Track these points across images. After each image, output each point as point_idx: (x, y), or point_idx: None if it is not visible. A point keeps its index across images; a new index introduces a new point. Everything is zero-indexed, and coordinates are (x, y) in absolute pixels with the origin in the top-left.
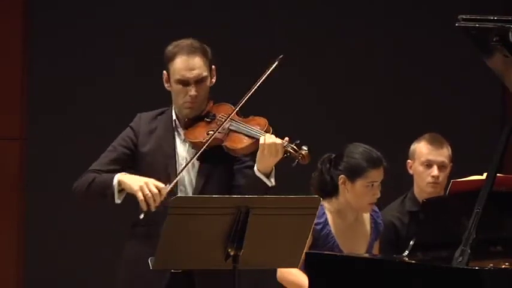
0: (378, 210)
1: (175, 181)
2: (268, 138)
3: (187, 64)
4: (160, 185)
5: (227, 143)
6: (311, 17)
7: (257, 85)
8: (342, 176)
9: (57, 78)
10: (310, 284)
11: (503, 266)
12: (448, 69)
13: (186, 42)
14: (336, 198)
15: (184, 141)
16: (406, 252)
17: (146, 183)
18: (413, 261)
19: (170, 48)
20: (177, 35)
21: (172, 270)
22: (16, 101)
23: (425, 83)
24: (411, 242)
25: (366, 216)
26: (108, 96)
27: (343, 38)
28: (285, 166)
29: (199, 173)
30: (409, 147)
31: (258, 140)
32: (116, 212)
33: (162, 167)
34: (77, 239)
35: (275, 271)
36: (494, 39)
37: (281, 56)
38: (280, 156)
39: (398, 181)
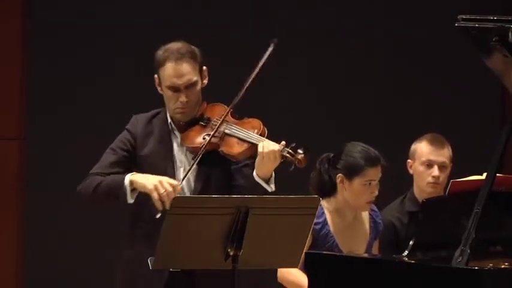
0: (376, 210)
1: (185, 176)
2: (266, 147)
3: (176, 71)
4: (174, 182)
5: (223, 148)
6: (311, 17)
7: (254, 74)
8: (340, 174)
9: (57, 78)
10: (310, 284)
11: (502, 266)
12: (448, 69)
13: (174, 46)
14: (335, 197)
15: (181, 144)
16: (406, 252)
17: (160, 182)
18: (412, 261)
19: (160, 53)
20: (177, 35)
21: (170, 269)
22: (15, 101)
23: (425, 83)
24: (411, 242)
25: (365, 216)
26: (107, 96)
27: (343, 38)
28: (283, 166)
29: (198, 176)
30: (409, 147)
31: (254, 144)
32: (116, 212)
33: (161, 170)
34: (77, 239)
35: (275, 271)
36: (493, 39)
37: (275, 40)
38: (278, 161)
39: (398, 181)
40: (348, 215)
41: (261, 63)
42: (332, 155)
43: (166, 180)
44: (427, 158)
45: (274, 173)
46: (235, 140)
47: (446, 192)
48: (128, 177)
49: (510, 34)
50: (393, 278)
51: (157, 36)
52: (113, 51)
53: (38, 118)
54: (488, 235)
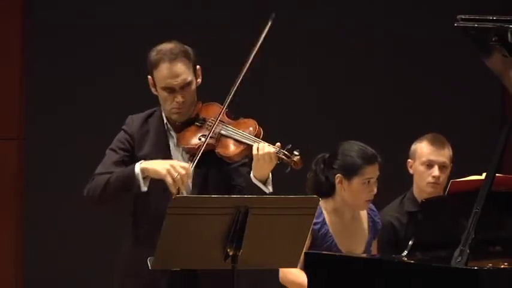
0: (375, 209)
1: (196, 160)
2: (261, 148)
3: (170, 72)
4: (185, 164)
5: (219, 150)
6: (311, 17)
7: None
8: (339, 175)
9: (56, 78)
10: (309, 284)
11: (502, 266)
12: (448, 69)
13: (166, 47)
14: (332, 197)
15: (177, 144)
16: (405, 252)
17: (172, 166)
18: (412, 261)
19: (153, 54)
20: (177, 35)
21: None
22: (15, 101)
23: (425, 83)
24: (410, 242)
25: (364, 215)
26: (107, 96)
27: (343, 38)
28: (281, 167)
29: (195, 176)
30: (409, 147)
31: (249, 145)
32: (116, 212)
33: None
34: (76, 239)
35: (276, 271)
36: (493, 39)
37: (273, 15)
38: (274, 162)
39: (398, 181)
40: (346, 214)
41: (260, 39)
42: (327, 155)
43: (177, 163)
44: (428, 158)
45: (272, 174)
46: (231, 141)
47: (446, 192)
48: (138, 166)
49: (509, 34)
50: (392, 278)
51: (157, 36)
52: (113, 51)
53: (37, 118)
54: (488, 235)
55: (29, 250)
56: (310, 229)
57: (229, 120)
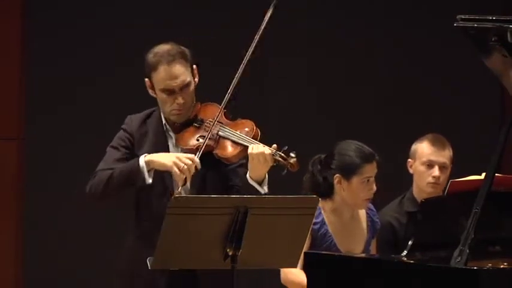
0: (373, 208)
1: (202, 150)
2: (256, 148)
3: (169, 73)
4: (190, 155)
5: (218, 151)
6: (311, 17)
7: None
8: (337, 175)
9: (56, 78)
10: (309, 284)
11: (501, 266)
12: (448, 69)
13: (164, 49)
14: (331, 197)
15: (175, 145)
16: (405, 252)
17: (178, 158)
18: (411, 261)
19: (150, 56)
20: (177, 35)
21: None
22: (14, 101)
23: (425, 83)
24: (410, 242)
25: (362, 215)
26: (107, 96)
27: (343, 38)
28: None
29: (194, 178)
30: (409, 147)
31: (246, 147)
32: (116, 212)
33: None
34: (76, 239)
35: (275, 271)
36: (492, 39)
37: (275, 1)
38: (270, 164)
39: (398, 181)
40: (345, 214)
41: (262, 27)
42: (323, 156)
43: (183, 155)
44: (428, 159)
45: (268, 176)
46: (229, 142)
47: (445, 192)
48: (143, 159)
49: (509, 34)
50: (392, 278)
51: (157, 36)
52: (113, 51)
53: (37, 118)
54: (487, 235)
55: (29, 250)
56: (310, 229)
57: (227, 121)
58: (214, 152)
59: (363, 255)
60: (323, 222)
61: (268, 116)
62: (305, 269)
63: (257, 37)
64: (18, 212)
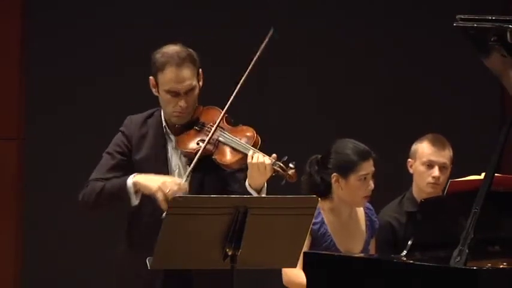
0: (372, 208)
1: (189, 171)
2: (256, 158)
3: (177, 76)
4: (178, 180)
5: (217, 157)
6: (311, 17)
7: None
8: (334, 174)
9: (56, 78)
10: (309, 284)
11: (501, 266)
12: (448, 69)
13: (173, 50)
14: (329, 197)
15: (175, 148)
16: (404, 252)
17: (164, 183)
18: (411, 261)
19: (158, 56)
20: (177, 35)
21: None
22: (14, 101)
23: (425, 83)
24: (409, 242)
25: (361, 214)
26: (107, 96)
27: (343, 38)
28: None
29: (192, 181)
30: (409, 147)
31: (246, 155)
32: (116, 212)
33: (156, 173)
34: (76, 239)
35: (275, 271)
36: (492, 39)
37: (272, 31)
38: (269, 174)
39: (397, 181)
40: (344, 213)
41: (259, 51)
42: (319, 156)
43: (170, 179)
44: (428, 159)
45: (266, 183)
46: (229, 148)
47: (445, 192)
48: (131, 179)
49: (508, 34)
50: (392, 277)
51: (157, 36)
52: (113, 51)
53: (37, 118)
54: (487, 235)
55: (29, 250)
56: (310, 229)
57: (228, 126)
58: (213, 157)
59: (363, 255)
60: (322, 222)
61: (268, 116)
62: (305, 269)
63: (253, 62)
64: (18, 212)
